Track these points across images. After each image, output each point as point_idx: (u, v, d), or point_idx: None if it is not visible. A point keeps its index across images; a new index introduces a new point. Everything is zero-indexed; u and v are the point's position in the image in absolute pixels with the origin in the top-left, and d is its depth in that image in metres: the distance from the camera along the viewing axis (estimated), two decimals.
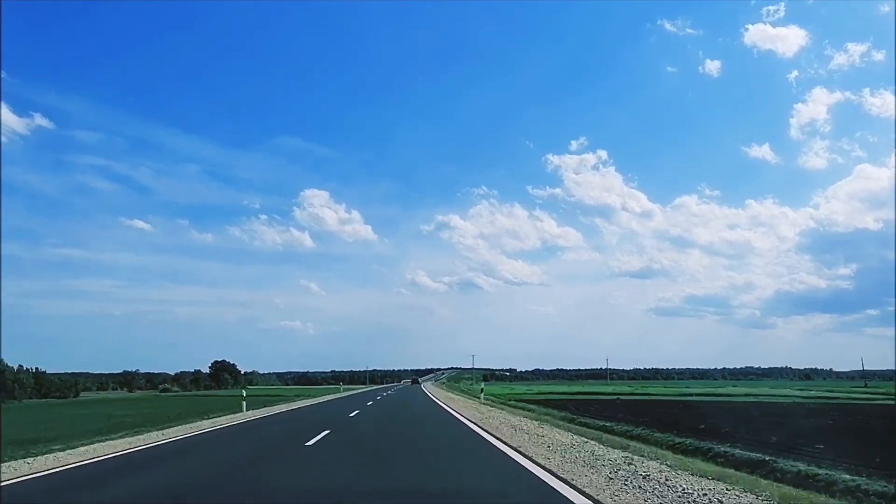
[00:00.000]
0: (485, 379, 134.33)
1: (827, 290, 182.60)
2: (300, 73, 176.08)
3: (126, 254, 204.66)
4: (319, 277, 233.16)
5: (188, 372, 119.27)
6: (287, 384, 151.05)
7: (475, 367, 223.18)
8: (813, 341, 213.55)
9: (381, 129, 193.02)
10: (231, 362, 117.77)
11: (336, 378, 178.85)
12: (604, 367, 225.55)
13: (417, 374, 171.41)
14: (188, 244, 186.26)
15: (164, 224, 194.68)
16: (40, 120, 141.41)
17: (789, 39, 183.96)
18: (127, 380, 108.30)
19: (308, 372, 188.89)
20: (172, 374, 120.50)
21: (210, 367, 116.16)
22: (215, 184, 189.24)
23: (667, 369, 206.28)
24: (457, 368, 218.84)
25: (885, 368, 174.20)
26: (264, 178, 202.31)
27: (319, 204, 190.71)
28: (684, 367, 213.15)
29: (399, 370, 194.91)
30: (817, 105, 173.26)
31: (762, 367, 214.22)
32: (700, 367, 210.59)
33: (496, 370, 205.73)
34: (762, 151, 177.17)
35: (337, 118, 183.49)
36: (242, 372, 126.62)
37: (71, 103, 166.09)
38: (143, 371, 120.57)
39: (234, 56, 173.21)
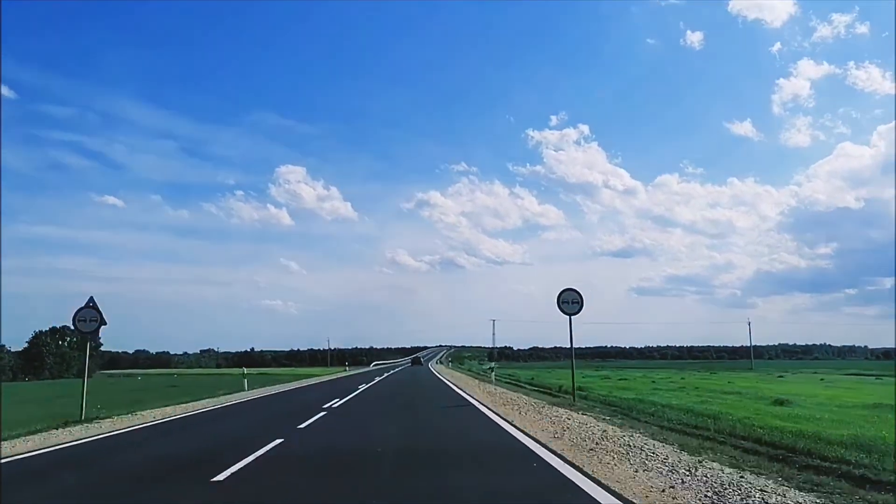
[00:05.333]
0: (489, 358, 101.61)
1: (807, 270, 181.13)
2: (277, 48, 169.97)
3: (103, 232, 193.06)
4: (299, 256, 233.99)
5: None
6: (220, 366, 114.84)
7: (468, 344, 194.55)
8: (790, 320, 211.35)
9: (359, 104, 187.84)
10: (70, 328, 76.82)
11: (291, 358, 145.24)
12: (605, 346, 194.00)
13: (406, 354, 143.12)
14: (163, 221, 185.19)
15: (137, 201, 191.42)
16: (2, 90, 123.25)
17: (777, 8, 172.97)
18: None
19: (252, 350, 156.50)
20: None
21: (27, 343, 76.49)
22: (191, 160, 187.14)
23: (701, 347, 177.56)
24: (444, 346, 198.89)
25: (863, 345, 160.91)
26: (240, 154, 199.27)
27: (296, 180, 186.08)
28: (709, 345, 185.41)
29: (382, 349, 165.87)
30: (801, 80, 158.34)
31: (798, 343, 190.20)
32: (730, 345, 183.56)
33: (492, 348, 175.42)
34: (744, 128, 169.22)
35: (315, 94, 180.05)
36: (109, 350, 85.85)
37: (38, 76, 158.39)
38: None
39: (209, 30, 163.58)
